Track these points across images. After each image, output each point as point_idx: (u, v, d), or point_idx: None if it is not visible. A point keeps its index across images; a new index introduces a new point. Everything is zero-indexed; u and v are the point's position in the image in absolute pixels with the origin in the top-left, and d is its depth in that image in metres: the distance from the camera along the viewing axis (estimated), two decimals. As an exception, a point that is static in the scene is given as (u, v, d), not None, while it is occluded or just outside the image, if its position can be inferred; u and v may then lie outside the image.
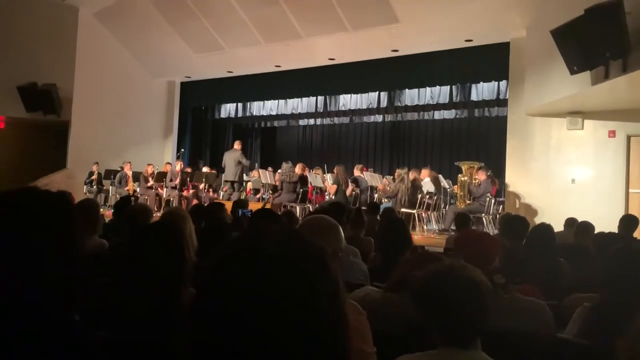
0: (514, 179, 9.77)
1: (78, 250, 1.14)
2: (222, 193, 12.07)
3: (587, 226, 4.79)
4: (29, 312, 1.04)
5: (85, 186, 12.30)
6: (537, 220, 8.26)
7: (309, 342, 0.67)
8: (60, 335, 1.06)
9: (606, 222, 5.65)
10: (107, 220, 5.55)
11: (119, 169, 12.62)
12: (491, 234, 6.43)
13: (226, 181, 11.76)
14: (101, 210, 5.11)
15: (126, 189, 11.99)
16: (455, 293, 1.47)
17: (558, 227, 5.35)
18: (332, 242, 1.80)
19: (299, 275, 0.69)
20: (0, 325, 1.01)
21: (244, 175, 12.50)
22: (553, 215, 7.14)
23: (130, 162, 12.51)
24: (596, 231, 4.60)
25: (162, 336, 1.63)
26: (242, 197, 11.88)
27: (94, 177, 12.48)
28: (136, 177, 12.31)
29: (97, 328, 1.50)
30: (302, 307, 0.67)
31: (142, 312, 1.70)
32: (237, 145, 11.80)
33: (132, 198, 8.93)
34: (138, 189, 11.99)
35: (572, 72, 6.89)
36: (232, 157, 11.48)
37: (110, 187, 12.56)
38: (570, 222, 5.65)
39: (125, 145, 13.59)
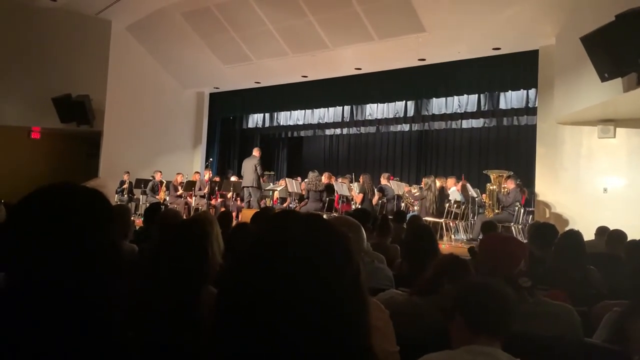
0: (543, 188, 9.61)
1: (118, 244, 1.16)
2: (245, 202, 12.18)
3: (619, 234, 4.68)
4: (70, 307, 1.05)
5: (116, 195, 12.57)
6: (568, 230, 8.09)
7: (331, 321, 0.69)
8: (100, 333, 1.08)
9: (640, 231, 5.51)
10: (137, 227, 5.68)
11: (150, 178, 12.86)
12: (520, 243, 6.32)
13: (244, 187, 11.82)
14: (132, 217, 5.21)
15: (157, 197, 12.20)
16: (477, 291, 1.63)
17: (589, 237, 5.24)
18: (353, 240, 1.81)
19: (322, 257, 0.71)
20: (41, 320, 1.03)
21: (269, 183, 12.54)
22: (584, 225, 6.97)
23: (160, 171, 12.74)
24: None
25: (180, 333, 1.66)
26: (264, 202, 11.93)
27: (125, 186, 12.74)
28: (167, 185, 12.53)
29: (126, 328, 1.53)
30: (325, 287, 0.69)
31: (164, 310, 1.73)
32: (255, 152, 11.82)
33: (162, 206, 9.08)
34: (167, 198, 12.20)
35: (603, 79, 6.75)
36: (250, 164, 11.54)
37: (141, 195, 12.80)
38: (602, 231, 5.51)
39: (155, 155, 13.86)
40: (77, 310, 1.05)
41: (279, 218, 0.79)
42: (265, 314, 0.69)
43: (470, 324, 1.60)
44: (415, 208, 10.16)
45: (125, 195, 12.65)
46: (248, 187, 11.48)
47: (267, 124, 15.59)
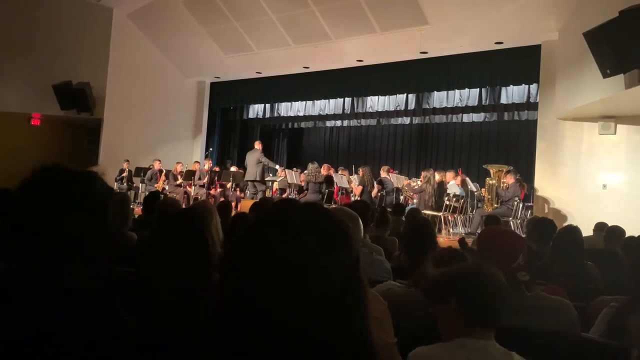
0: (543, 183, 9.61)
1: (113, 227, 1.16)
2: (247, 192, 12.19)
3: (617, 231, 4.69)
4: (65, 291, 1.06)
5: (115, 183, 12.56)
6: (567, 225, 8.09)
7: (329, 306, 0.69)
8: (95, 315, 1.08)
9: (638, 229, 5.50)
10: (136, 216, 5.67)
11: (149, 167, 12.85)
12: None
13: (247, 180, 11.85)
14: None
15: (156, 185, 12.20)
16: (477, 285, 1.57)
17: (588, 233, 5.25)
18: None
19: (323, 241, 0.71)
20: (41, 307, 1.03)
21: (269, 174, 12.55)
22: (583, 221, 6.97)
23: (159, 160, 12.73)
24: (627, 239, 4.48)
25: (186, 322, 1.66)
26: (262, 193, 11.95)
27: (125, 174, 12.74)
28: (167, 174, 12.54)
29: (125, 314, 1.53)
30: (324, 272, 0.70)
31: (166, 297, 1.73)
32: (257, 145, 11.87)
33: (162, 195, 9.08)
34: (167, 187, 12.20)
35: (605, 76, 6.73)
36: (252, 157, 11.57)
37: (140, 184, 12.80)
38: (600, 227, 5.53)
39: (155, 144, 13.85)
40: (73, 296, 1.06)
41: (279, 205, 0.79)
42: (263, 298, 0.69)
43: (469, 318, 1.55)
44: (414, 201, 10.16)
45: (125, 184, 12.65)
46: (252, 181, 11.51)
47: (267, 115, 15.55)
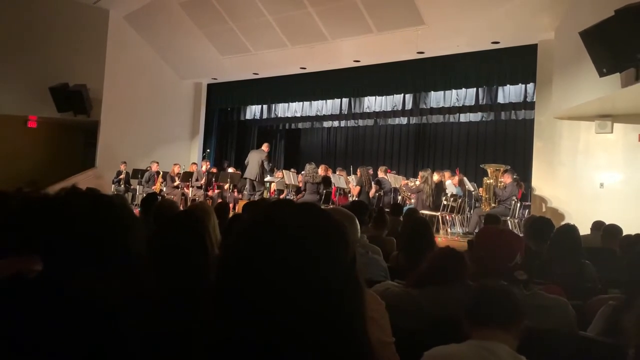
0: (540, 182, 9.63)
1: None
2: (245, 193, 12.19)
3: (614, 229, 4.70)
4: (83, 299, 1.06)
5: (113, 185, 12.55)
6: (564, 224, 8.10)
7: (326, 306, 0.69)
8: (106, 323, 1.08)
9: (635, 227, 5.52)
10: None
11: (147, 169, 12.84)
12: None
13: (245, 178, 11.84)
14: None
15: (153, 187, 12.18)
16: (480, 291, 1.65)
17: (585, 232, 5.26)
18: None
19: (319, 241, 0.71)
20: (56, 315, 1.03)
21: (267, 175, 12.58)
22: (580, 220, 6.97)
23: (157, 162, 12.71)
24: (624, 237, 4.49)
25: (183, 322, 1.66)
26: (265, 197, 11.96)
27: (122, 176, 12.72)
28: (164, 176, 12.53)
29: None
30: (321, 271, 0.70)
31: (164, 299, 1.73)
32: (265, 147, 11.93)
33: (159, 197, 9.07)
34: (164, 188, 12.19)
35: (601, 74, 6.75)
36: (257, 157, 11.57)
37: (138, 186, 12.78)
38: (597, 226, 5.54)
39: (152, 145, 13.83)
40: (74, 297, 1.06)
41: (275, 205, 0.79)
42: (261, 299, 0.69)
43: (470, 322, 1.62)
44: (412, 201, 10.17)
45: (122, 186, 12.63)
46: (251, 179, 11.51)
47: (264, 116, 15.53)
